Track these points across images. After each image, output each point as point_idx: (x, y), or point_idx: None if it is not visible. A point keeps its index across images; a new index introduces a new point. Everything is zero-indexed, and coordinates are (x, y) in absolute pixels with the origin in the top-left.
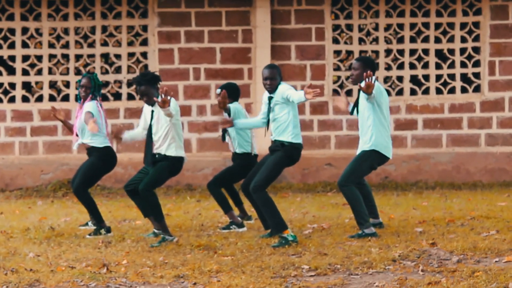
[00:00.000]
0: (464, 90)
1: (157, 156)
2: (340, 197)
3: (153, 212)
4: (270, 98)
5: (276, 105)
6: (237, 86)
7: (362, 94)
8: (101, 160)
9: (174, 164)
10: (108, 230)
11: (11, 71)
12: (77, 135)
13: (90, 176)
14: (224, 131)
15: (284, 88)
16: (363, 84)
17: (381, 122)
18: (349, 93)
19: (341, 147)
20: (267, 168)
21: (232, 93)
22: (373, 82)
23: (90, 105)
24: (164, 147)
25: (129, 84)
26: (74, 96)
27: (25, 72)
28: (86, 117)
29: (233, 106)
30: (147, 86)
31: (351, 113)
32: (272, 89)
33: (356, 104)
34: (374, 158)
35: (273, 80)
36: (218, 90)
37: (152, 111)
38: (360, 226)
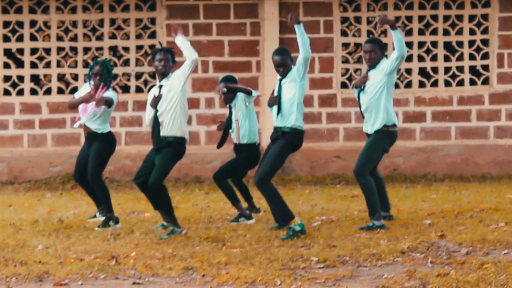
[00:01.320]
0: (472, 82)
1: (161, 137)
2: (349, 189)
3: (164, 205)
4: (280, 79)
5: (285, 84)
6: (234, 77)
7: (377, 71)
8: (107, 144)
9: (176, 148)
10: (117, 221)
11: (20, 64)
12: (80, 118)
13: (101, 161)
14: (229, 122)
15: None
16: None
17: (391, 97)
18: None
19: (350, 140)
20: (271, 159)
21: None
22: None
23: (112, 94)
24: (168, 127)
25: (138, 77)
26: None
27: (33, 65)
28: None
29: (239, 95)
30: (167, 53)
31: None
32: (285, 74)
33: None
34: (385, 141)
35: (285, 66)
36: (224, 90)
37: (160, 86)
38: (371, 216)
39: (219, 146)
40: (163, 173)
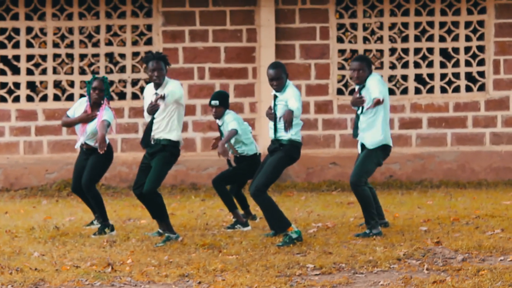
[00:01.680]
0: (468, 89)
1: (156, 140)
2: (345, 196)
3: (158, 212)
4: (275, 96)
5: (279, 104)
6: (225, 92)
7: (367, 90)
8: (105, 156)
9: (171, 151)
10: (112, 229)
11: (16, 70)
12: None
13: (97, 172)
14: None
15: (289, 95)
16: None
17: (388, 116)
18: (352, 92)
19: (346, 146)
20: (267, 171)
21: (226, 101)
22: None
23: (108, 115)
24: (164, 131)
25: (134, 84)
26: (78, 96)
27: (29, 72)
28: (101, 126)
29: (226, 118)
30: (159, 62)
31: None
32: (279, 88)
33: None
34: (380, 154)
35: (279, 80)
36: (215, 102)
37: (156, 94)
38: (368, 225)
39: (230, 163)
40: (158, 179)
